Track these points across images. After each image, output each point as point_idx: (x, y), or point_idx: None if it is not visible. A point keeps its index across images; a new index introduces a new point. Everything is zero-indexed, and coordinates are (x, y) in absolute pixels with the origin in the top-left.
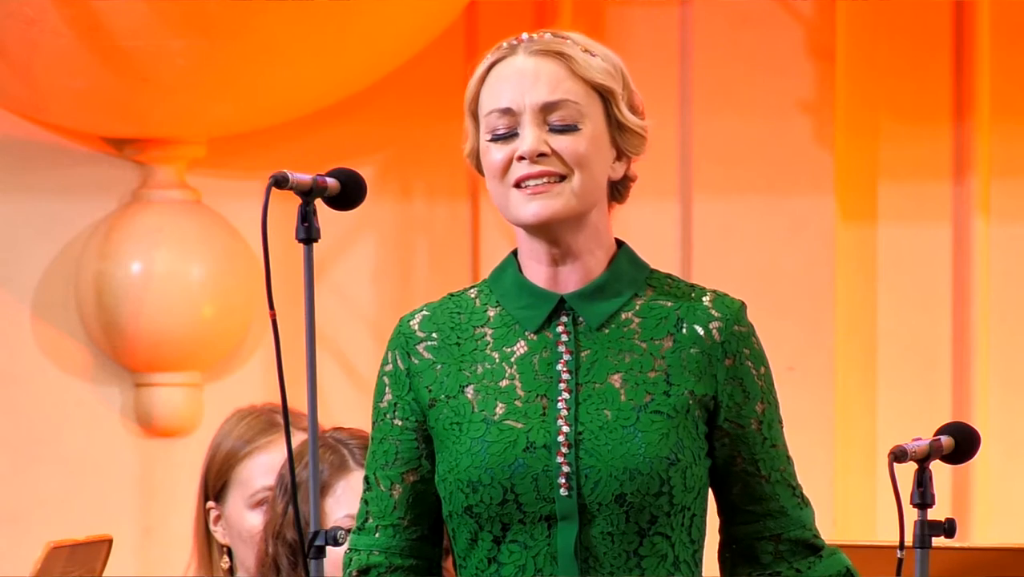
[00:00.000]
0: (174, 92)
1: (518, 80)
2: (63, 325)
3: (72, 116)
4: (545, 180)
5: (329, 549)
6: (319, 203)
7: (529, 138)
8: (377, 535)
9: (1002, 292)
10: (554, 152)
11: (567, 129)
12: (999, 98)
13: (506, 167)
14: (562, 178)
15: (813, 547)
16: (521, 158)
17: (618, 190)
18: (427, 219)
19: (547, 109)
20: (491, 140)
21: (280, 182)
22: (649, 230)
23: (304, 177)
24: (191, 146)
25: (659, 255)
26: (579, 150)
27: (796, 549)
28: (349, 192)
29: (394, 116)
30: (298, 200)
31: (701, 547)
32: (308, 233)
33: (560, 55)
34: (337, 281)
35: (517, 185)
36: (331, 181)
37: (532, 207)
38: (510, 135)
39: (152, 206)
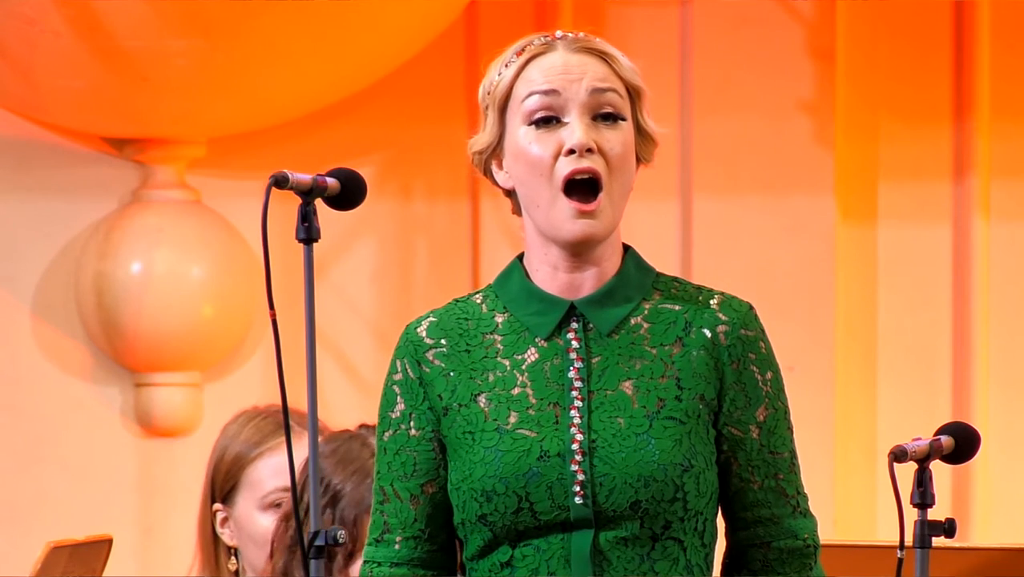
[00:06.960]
0: (174, 92)
1: (564, 70)
2: (63, 325)
3: (72, 116)
4: (593, 197)
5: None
6: (319, 203)
7: (579, 130)
8: (398, 547)
9: (1002, 292)
10: (599, 151)
11: (613, 118)
12: (999, 98)
13: (550, 161)
14: (600, 188)
15: (805, 557)
16: (571, 151)
17: None
18: (427, 219)
19: (596, 95)
20: (532, 125)
21: (280, 182)
22: (649, 230)
23: (304, 177)
24: (191, 146)
25: (659, 255)
26: (623, 150)
27: (785, 559)
28: (349, 192)
29: (394, 116)
30: (298, 200)
31: (712, 551)
32: (308, 233)
33: (604, 53)
34: (337, 281)
35: (566, 191)
36: (331, 181)
37: (578, 226)
38: (552, 120)
39: (152, 206)
